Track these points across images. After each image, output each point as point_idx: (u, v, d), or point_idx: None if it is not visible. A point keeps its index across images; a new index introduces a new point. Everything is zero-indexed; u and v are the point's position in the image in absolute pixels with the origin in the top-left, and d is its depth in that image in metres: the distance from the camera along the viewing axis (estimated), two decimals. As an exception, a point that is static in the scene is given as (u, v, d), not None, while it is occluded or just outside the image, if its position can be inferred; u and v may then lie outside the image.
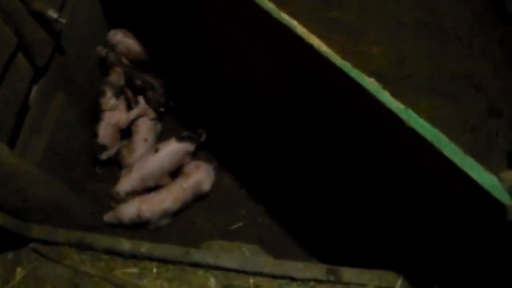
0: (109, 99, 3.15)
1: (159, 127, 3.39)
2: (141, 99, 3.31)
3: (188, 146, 3.07)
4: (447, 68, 3.56)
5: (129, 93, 3.31)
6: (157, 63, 3.40)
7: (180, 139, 3.04)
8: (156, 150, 3.01)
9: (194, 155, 3.16)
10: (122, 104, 3.28)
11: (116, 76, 3.22)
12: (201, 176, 3.03)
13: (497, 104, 3.36)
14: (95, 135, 3.14)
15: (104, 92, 3.14)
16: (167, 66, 3.40)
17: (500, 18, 3.73)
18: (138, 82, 3.27)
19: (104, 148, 3.15)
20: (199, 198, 3.07)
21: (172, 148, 3.03)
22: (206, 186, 3.05)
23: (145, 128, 3.25)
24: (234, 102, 3.13)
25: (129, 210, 2.93)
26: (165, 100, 3.31)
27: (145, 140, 3.20)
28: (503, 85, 3.45)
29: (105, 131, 3.15)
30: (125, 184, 2.97)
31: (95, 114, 3.18)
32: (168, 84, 3.32)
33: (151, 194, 3.00)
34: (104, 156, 3.16)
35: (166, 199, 2.94)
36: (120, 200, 2.98)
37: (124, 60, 3.32)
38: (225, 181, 3.18)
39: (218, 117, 3.27)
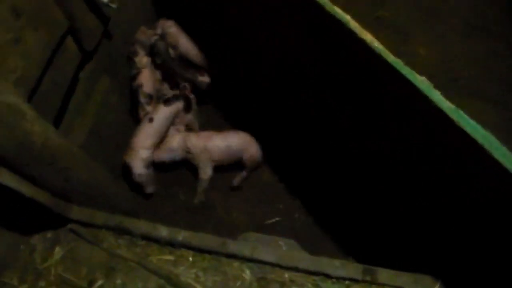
0: (142, 57, 3.18)
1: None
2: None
3: (178, 104, 3.11)
4: (494, 72, 3.47)
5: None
6: (203, 61, 3.39)
7: (166, 102, 3.07)
8: (151, 120, 3.00)
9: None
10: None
11: (144, 35, 3.23)
12: (247, 145, 3.06)
13: (545, 113, 3.25)
14: (136, 88, 3.16)
15: (136, 51, 3.17)
16: (211, 59, 3.40)
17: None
18: (179, 80, 3.31)
19: (151, 96, 3.18)
20: (236, 164, 3.12)
21: (165, 114, 3.05)
22: (248, 155, 3.07)
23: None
24: (277, 97, 3.11)
25: (176, 140, 3.05)
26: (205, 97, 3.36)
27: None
28: (552, 93, 3.34)
29: (148, 81, 3.17)
30: (138, 166, 2.98)
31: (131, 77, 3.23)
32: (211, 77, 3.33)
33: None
34: (149, 108, 3.18)
35: (212, 139, 3.03)
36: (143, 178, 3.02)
37: (171, 52, 3.32)
38: (264, 175, 3.18)
39: (260, 112, 3.26)
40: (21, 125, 1.77)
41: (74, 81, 2.59)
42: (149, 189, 3.09)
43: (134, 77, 3.18)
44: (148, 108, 3.15)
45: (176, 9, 3.36)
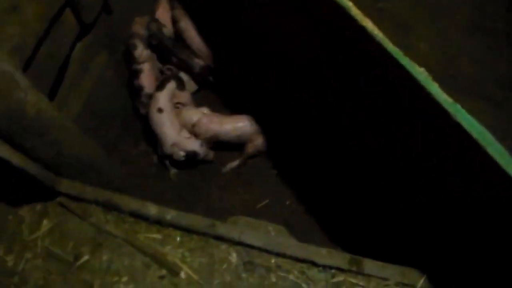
0: (142, 51, 3.15)
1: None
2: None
3: (171, 85, 3.09)
4: (494, 72, 3.46)
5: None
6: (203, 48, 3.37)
7: (159, 88, 3.06)
8: (160, 110, 2.98)
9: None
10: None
11: (140, 27, 3.20)
12: (255, 134, 3.09)
13: (544, 115, 3.24)
14: (138, 89, 3.15)
15: (135, 45, 3.13)
16: (210, 43, 3.38)
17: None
18: (174, 60, 3.29)
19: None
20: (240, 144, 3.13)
21: (166, 98, 3.03)
22: (252, 145, 3.11)
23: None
24: (275, 84, 3.10)
25: (191, 115, 3.07)
26: (203, 76, 3.33)
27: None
28: (551, 96, 3.33)
29: (149, 81, 3.17)
30: (195, 145, 3.00)
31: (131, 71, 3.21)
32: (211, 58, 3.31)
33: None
34: None
35: (223, 125, 3.06)
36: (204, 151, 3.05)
37: (167, 30, 3.29)
38: (259, 160, 3.19)
39: (258, 100, 3.25)
40: (14, 93, 1.74)
41: (70, 54, 2.56)
42: (210, 156, 3.15)
43: (135, 74, 3.16)
44: None
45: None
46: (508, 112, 3.27)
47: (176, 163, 3.08)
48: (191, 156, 2.99)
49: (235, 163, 3.14)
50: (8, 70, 1.71)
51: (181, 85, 3.16)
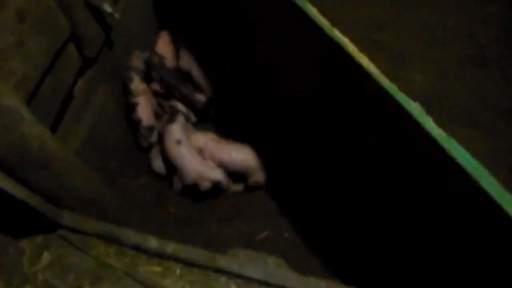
0: (138, 84, 3.19)
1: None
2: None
3: (181, 118, 3.12)
4: (488, 101, 3.50)
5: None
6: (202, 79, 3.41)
7: (170, 120, 3.09)
8: (179, 142, 3.00)
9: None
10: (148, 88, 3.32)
11: (137, 60, 3.25)
12: (256, 168, 3.08)
13: (538, 143, 3.28)
14: (136, 122, 3.19)
15: (131, 78, 3.17)
16: (211, 75, 3.43)
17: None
18: (176, 94, 3.32)
19: (151, 128, 3.21)
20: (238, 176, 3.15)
21: (180, 129, 3.06)
22: (252, 179, 3.12)
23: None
24: (274, 114, 3.15)
25: (198, 139, 3.10)
26: (204, 111, 3.37)
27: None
28: (544, 123, 3.37)
29: (146, 114, 3.20)
30: (218, 173, 3.01)
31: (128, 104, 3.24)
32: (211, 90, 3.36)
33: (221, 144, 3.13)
34: (153, 138, 3.23)
35: (230, 154, 3.07)
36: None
37: (168, 64, 3.34)
38: (257, 193, 3.20)
39: (254, 126, 3.29)
40: (19, 127, 1.78)
41: (73, 88, 2.61)
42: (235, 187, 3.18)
43: (132, 108, 3.20)
44: (151, 138, 3.22)
45: (177, 22, 3.40)
46: (503, 141, 3.30)
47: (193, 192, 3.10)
48: (215, 185, 3.01)
49: (239, 187, 3.16)
50: (14, 105, 1.74)
51: (188, 119, 3.21)
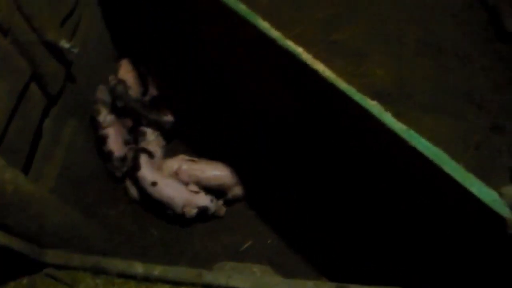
0: (105, 116, 3.22)
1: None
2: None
3: (144, 159, 3.14)
4: (448, 86, 3.61)
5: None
6: (165, 97, 3.47)
7: (134, 169, 3.11)
8: (154, 184, 3.03)
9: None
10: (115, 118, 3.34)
11: (103, 93, 3.27)
12: (233, 183, 3.14)
13: (500, 121, 3.40)
14: (108, 154, 3.21)
15: (99, 110, 3.20)
16: (175, 96, 3.47)
17: (498, 36, 3.80)
18: (144, 122, 3.36)
19: (124, 159, 3.23)
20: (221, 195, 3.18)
21: (148, 173, 3.08)
22: (231, 193, 3.18)
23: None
24: (242, 125, 3.19)
25: (171, 164, 3.14)
26: (173, 131, 3.41)
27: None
28: (504, 102, 3.49)
29: (117, 145, 3.23)
30: (205, 200, 3.05)
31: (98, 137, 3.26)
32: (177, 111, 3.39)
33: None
34: (126, 167, 3.24)
35: (205, 172, 3.12)
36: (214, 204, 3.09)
37: (133, 92, 3.37)
38: (236, 204, 3.25)
39: (227, 140, 3.33)
40: (-9, 175, 1.80)
41: (40, 127, 2.61)
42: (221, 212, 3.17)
43: (102, 140, 3.23)
44: (124, 168, 3.24)
45: (136, 49, 3.43)
46: (466, 121, 3.41)
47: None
48: (203, 211, 3.04)
49: (220, 201, 3.19)
50: (-17, 153, 1.76)
51: (151, 155, 3.23)
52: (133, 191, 3.21)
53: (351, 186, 2.53)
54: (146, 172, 3.07)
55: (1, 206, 1.89)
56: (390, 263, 2.39)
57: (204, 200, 3.02)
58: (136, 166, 3.09)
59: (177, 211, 3.03)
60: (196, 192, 3.04)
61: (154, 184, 3.01)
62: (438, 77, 3.67)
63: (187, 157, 3.21)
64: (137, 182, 3.11)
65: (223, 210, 3.16)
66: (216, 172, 3.12)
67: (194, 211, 3.01)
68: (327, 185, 2.80)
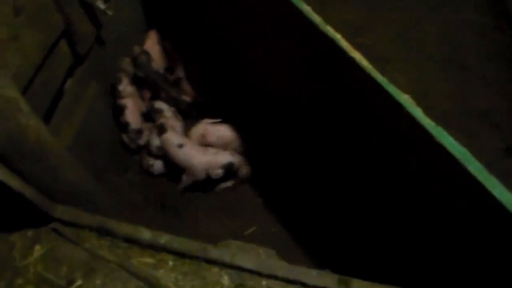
0: (126, 86, 3.23)
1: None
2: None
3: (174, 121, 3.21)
4: (466, 104, 3.61)
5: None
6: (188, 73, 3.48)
7: (161, 131, 3.13)
8: (180, 146, 3.05)
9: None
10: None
11: (128, 64, 3.29)
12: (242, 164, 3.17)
13: (514, 144, 3.39)
14: (124, 125, 3.23)
15: (120, 79, 3.22)
16: (199, 75, 3.48)
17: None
18: (162, 95, 3.37)
19: (140, 132, 3.25)
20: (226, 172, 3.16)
21: (174, 136, 3.11)
22: (241, 173, 3.20)
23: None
24: (263, 113, 3.19)
25: (197, 129, 3.20)
26: (188, 111, 3.44)
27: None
28: (520, 125, 3.49)
29: (134, 117, 3.25)
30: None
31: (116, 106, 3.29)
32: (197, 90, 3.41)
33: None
34: (142, 141, 3.27)
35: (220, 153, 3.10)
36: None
37: (156, 64, 3.37)
38: (243, 189, 3.25)
39: (244, 126, 3.34)
40: (17, 118, 1.80)
41: (63, 85, 2.62)
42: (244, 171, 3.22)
43: (120, 110, 3.25)
44: (139, 141, 3.26)
45: (166, 23, 3.44)
46: (479, 141, 3.40)
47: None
48: (228, 168, 3.07)
49: (229, 184, 3.20)
50: (13, 96, 1.77)
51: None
52: (157, 166, 3.25)
53: (361, 180, 2.52)
54: (173, 135, 3.09)
55: (21, 152, 1.90)
56: (397, 261, 2.39)
57: (226, 157, 3.05)
58: (162, 129, 3.11)
59: (199, 177, 3.06)
60: (216, 153, 3.06)
61: (180, 146, 3.03)
62: (457, 93, 3.67)
63: (211, 120, 3.24)
64: (153, 152, 3.14)
65: (246, 169, 3.18)
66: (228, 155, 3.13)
67: (220, 171, 3.03)
68: (336, 177, 2.79)
